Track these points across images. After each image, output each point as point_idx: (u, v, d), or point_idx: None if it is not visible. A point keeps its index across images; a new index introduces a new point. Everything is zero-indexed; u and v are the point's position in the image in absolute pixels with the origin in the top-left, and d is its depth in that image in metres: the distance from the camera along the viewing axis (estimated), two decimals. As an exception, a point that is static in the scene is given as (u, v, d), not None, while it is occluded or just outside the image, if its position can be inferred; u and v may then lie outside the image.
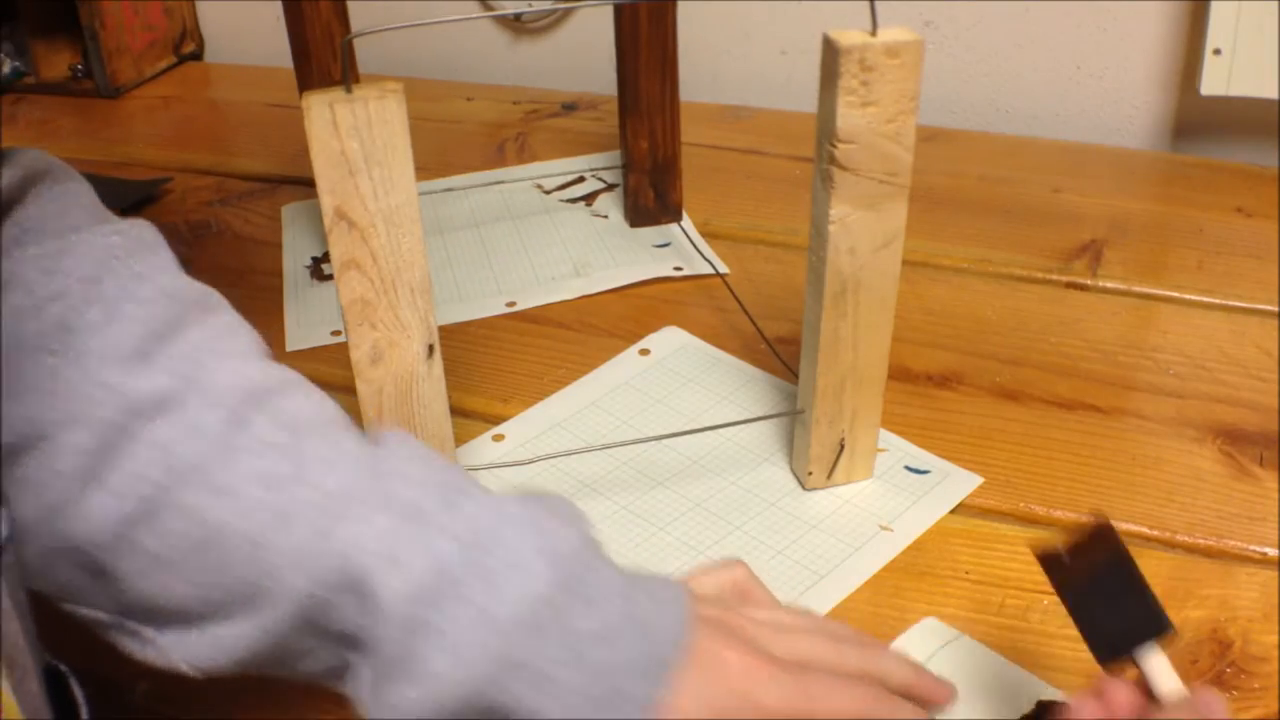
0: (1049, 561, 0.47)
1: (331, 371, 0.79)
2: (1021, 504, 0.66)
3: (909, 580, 0.61)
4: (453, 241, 0.93)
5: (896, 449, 0.70)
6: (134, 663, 0.44)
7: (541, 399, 0.75)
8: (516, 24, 1.25)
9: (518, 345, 0.81)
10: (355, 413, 0.61)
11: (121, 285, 0.44)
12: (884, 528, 0.64)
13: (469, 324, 0.83)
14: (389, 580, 0.40)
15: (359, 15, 0.83)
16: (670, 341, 0.81)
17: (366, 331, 0.58)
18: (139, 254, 0.46)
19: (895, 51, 0.53)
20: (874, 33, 0.54)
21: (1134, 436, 0.71)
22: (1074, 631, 0.58)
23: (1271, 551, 0.62)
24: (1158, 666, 0.44)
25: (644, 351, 0.80)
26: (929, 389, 0.75)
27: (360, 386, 0.59)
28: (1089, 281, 0.86)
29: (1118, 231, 0.92)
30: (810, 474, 0.66)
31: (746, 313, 0.82)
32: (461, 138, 1.11)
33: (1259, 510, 0.65)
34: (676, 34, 0.86)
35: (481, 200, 1.00)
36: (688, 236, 0.92)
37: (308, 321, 0.84)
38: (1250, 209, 0.94)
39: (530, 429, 0.73)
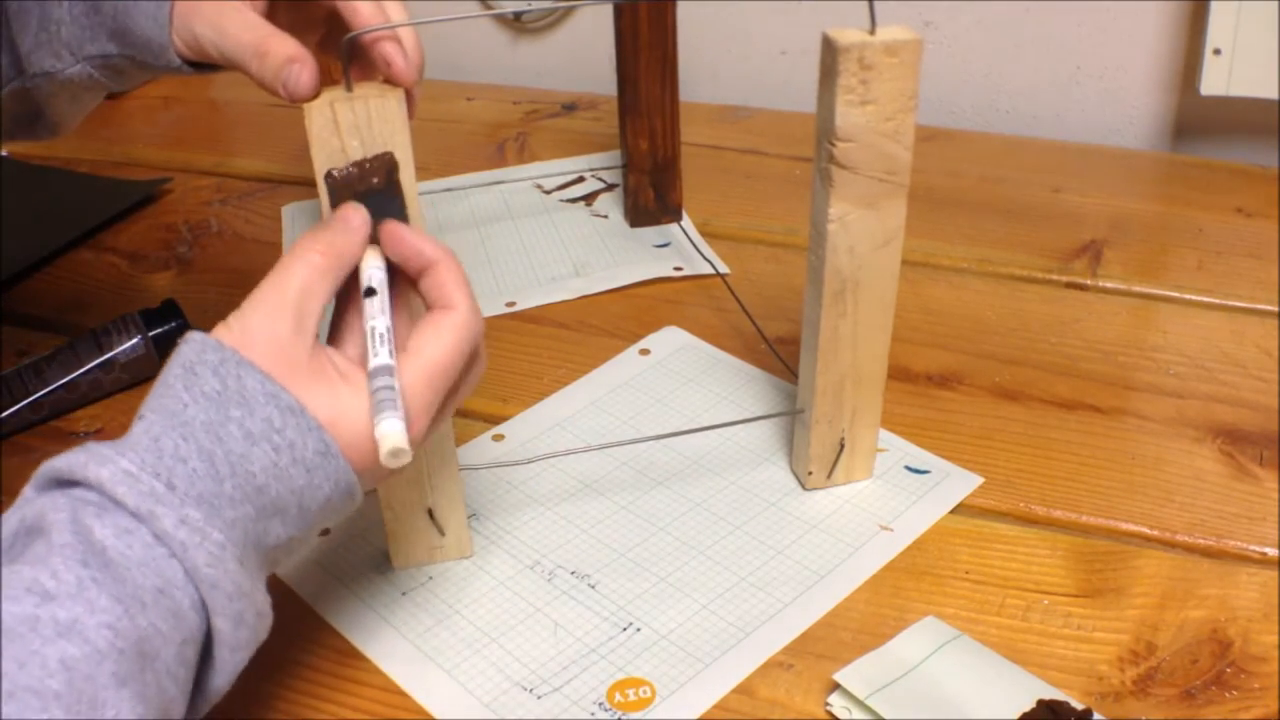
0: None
1: (331, 371, 0.79)
2: (1021, 504, 0.66)
3: (909, 580, 0.61)
4: (453, 241, 0.92)
5: (896, 449, 0.70)
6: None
7: (541, 399, 0.75)
8: (516, 24, 1.25)
9: (518, 345, 0.81)
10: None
11: None
12: (884, 528, 0.64)
13: (469, 324, 0.83)
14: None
15: (359, 15, 0.83)
16: (670, 341, 0.81)
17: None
18: None
19: (894, 50, 0.53)
20: (873, 31, 0.54)
21: (1134, 436, 0.71)
22: (1073, 631, 0.58)
23: (1271, 551, 0.62)
24: None
25: (644, 351, 0.80)
26: (929, 389, 0.75)
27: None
28: (1089, 281, 0.86)
29: (1118, 231, 0.92)
30: (810, 474, 0.66)
31: (746, 313, 0.82)
32: (461, 138, 1.11)
33: (1259, 510, 0.65)
34: (676, 34, 0.86)
35: (481, 200, 1.00)
36: (688, 236, 0.92)
37: (308, 321, 0.84)
38: (1250, 209, 0.94)
39: (530, 429, 0.73)
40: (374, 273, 0.50)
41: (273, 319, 0.46)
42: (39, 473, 0.44)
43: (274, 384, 0.45)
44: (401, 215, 0.52)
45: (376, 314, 0.49)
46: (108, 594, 0.40)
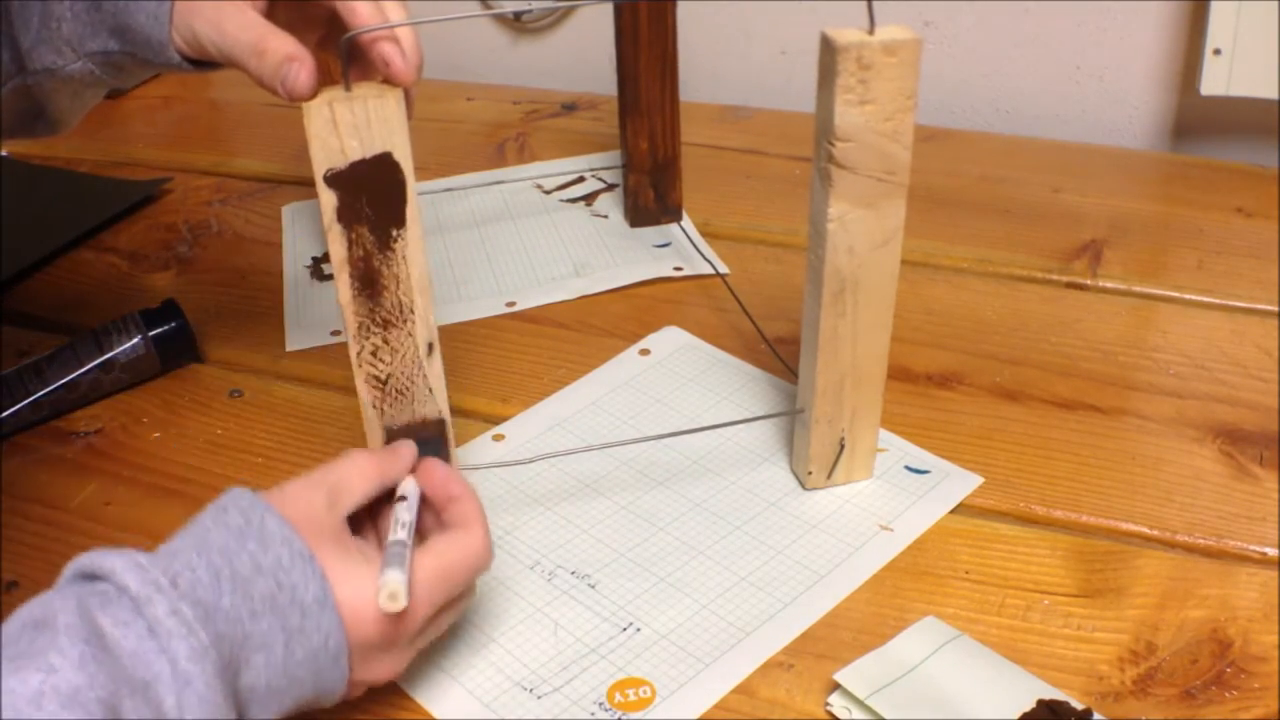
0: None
1: (331, 371, 0.79)
2: (1021, 504, 0.66)
3: (909, 580, 0.61)
4: (453, 241, 0.93)
5: (896, 449, 0.70)
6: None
7: (541, 399, 0.75)
8: (516, 24, 1.25)
9: (518, 345, 0.81)
10: (356, 413, 0.62)
11: None
12: (884, 528, 0.64)
13: (469, 324, 0.83)
14: None
15: (359, 15, 0.83)
16: (670, 341, 0.81)
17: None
18: None
19: (893, 49, 0.53)
20: (871, 31, 0.54)
21: (1134, 436, 0.71)
22: (1073, 631, 0.58)
23: (1271, 551, 0.62)
24: None
25: (644, 351, 0.80)
26: (929, 389, 0.75)
27: (360, 386, 0.59)
28: (1089, 281, 0.86)
29: (1118, 231, 0.92)
30: (810, 474, 0.66)
31: (746, 313, 0.82)
32: (461, 138, 1.11)
33: (1259, 510, 0.65)
34: (676, 34, 0.86)
35: (481, 200, 1.00)
36: (688, 236, 0.92)
37: (308, 322, 0.84)
38: (1250, 209, 0.94)
39: (530, 429, 0.73)
40: (409, 486, 0.55)
41: (310, 491, 0.51)
42: (65, 570, 0.46)
43: (292, 531, 0.48)
44: (445, 458, 0.59)
45: (403, 512, 0.53)
46: (105, 672, 0.41)
